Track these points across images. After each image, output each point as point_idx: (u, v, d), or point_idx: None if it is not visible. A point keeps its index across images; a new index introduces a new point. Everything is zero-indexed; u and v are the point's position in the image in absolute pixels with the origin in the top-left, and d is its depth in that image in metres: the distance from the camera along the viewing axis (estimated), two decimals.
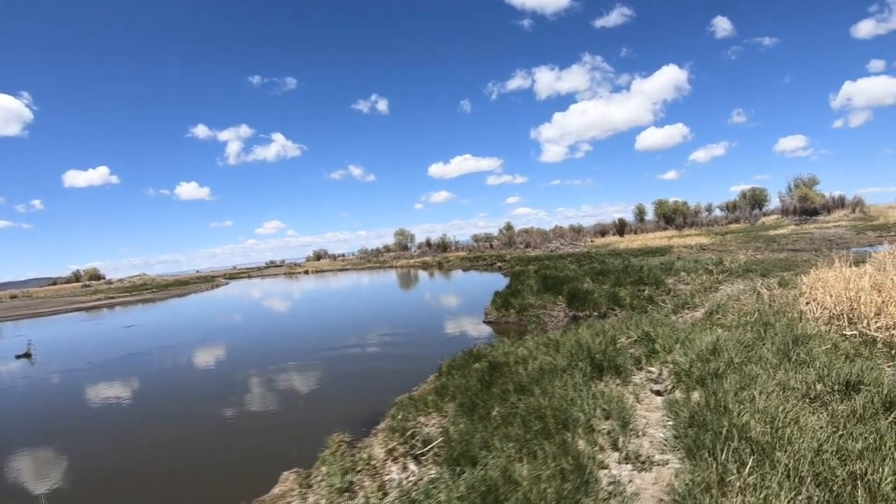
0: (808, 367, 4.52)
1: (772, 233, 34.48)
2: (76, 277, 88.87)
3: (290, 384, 10.14)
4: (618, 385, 5.33)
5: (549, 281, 16.99)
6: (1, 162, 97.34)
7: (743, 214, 57.29)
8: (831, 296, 7.55)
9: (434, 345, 12.75)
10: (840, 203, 44.68)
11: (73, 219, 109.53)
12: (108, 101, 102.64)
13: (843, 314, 6.84)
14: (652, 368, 5.63)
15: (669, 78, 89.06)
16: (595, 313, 10.68)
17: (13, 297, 66.69)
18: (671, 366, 5.49)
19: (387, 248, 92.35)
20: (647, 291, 12.80)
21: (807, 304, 8.07)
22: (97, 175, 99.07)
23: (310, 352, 13.26)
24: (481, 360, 6.98)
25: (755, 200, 59.27)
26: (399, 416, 5.90)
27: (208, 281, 71.34)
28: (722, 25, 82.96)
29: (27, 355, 16.16)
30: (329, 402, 8.66)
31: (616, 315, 10.55)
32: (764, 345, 5.34)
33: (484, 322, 14.61)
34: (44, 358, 16.08)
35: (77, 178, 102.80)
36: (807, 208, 44.65)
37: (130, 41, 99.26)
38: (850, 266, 8.51)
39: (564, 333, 7.64)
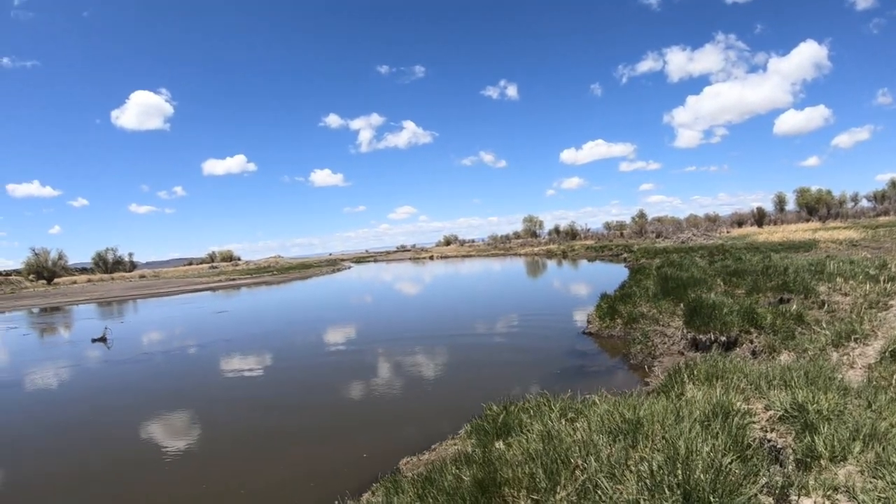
0: None
1: None
2: (211, 259, 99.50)
3: (307, 395, 9.76)
4: None
5: (669, 283, 15.02)
6: (145, 153, 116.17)
7: (893, 206, 51.57)
8: None
9: (527, 350, 12.05)
10: None
11: (212, 204, 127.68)
12: (243, 93, 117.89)
13: None
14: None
15: (808, 55, 77.39)
16: (722, 337, 8.99)
17: (142, 276, 73.31)
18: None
19: (516, 235, 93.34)
20: (794, 305, 10.56)
21: None
22: (234, 163, 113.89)
23: (368, 352, 12.93)
24: (507, 438, 4.88)
25: None
26: None
27: (332, 264, 77.02)
28: None
29: (103, 339, 17.59)
30: (338, 436, 7.48)
31: (751, 341, 8.77)
32: None
33: (584, 333, 12.89)
34: (118, 344, 17.03)
35: (216, 167, 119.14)
36: None
37: (261, 35, 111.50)
38: None
39: (660, 397, 5.20)
